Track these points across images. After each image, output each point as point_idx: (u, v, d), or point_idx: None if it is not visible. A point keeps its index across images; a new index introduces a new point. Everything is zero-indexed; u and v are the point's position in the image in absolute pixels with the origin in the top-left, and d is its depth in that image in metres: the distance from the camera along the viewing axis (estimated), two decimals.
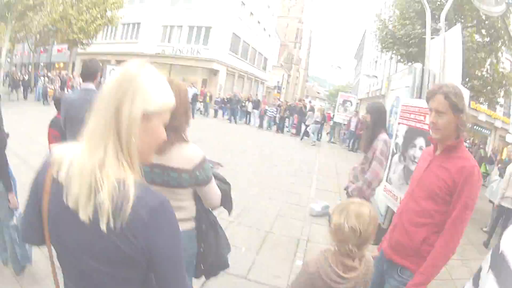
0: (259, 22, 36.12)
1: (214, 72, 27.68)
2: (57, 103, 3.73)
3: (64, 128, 3.08)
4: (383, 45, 12.95)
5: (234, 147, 10.79)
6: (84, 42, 23.73)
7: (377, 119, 3.41)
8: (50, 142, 3.72)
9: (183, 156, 1.63)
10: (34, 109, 14.37)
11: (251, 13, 33.01)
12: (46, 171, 0.92)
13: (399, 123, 4.24)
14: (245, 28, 31.78)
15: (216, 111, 21.02)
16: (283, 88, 53.48)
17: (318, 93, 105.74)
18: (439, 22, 6.04)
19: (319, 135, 17.08)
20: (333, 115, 18.29)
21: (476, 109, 19.87)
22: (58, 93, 3.79)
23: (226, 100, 20.10)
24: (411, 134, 3.81)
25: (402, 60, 12.74)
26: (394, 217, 2.10)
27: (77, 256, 0.89)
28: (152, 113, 0.92)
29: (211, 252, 1.89)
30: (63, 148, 0.93)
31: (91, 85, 3.07)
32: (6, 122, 2.81)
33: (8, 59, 29.73)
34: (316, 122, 14.91)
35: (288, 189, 6.84)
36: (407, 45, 11.38)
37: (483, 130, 23.69)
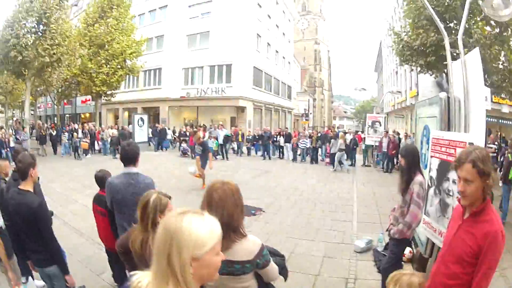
0: (277, 52, 36.06)
1: (241, 109, 27.60)
2: (99, 180, 3.94)
3: (111, 208, 3.24)
4: (402, 58, 12.97)
5: (273, 187, 10.83)
6: (107, 93, 23.86)
7: (411, 162, 3.61)
8: (96, 216, 3.98)
9: (244, 250, 1.86)
10: (66, 165, 14.68)
11: (268, 44, 33.03)
12: None
13: (431, 156, 4.35)
14: (264, 59, 31.79)
15: (249, 149, 20.90)
16: (310, 113, 53.57)
17: (345, 112, 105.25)
18: (452, 34, 5.96)
19: (353, 160, 16.83)
20: (364, 137, 18.05)
21: (498, 102, 19.08)
22: (99, 170, 4.19)
23: (257, 137, 20.03)
24: (444, 168, 3.89)
25: (422, 70, 12.63)
26: (428, 280, 2.26)
27: None
28: (201, 255, 1.04)
29: None
30: (139, 278, 1.13)
31: (133, 169, 3.17)
32: (41, 179, 2.95)
33: (32, 112, 30.36)
34: (340, 150, 14.73)
35: (331, 228, 6.86)
36: (424, 54, 11.40)
37: (509, 122, 22.57)
